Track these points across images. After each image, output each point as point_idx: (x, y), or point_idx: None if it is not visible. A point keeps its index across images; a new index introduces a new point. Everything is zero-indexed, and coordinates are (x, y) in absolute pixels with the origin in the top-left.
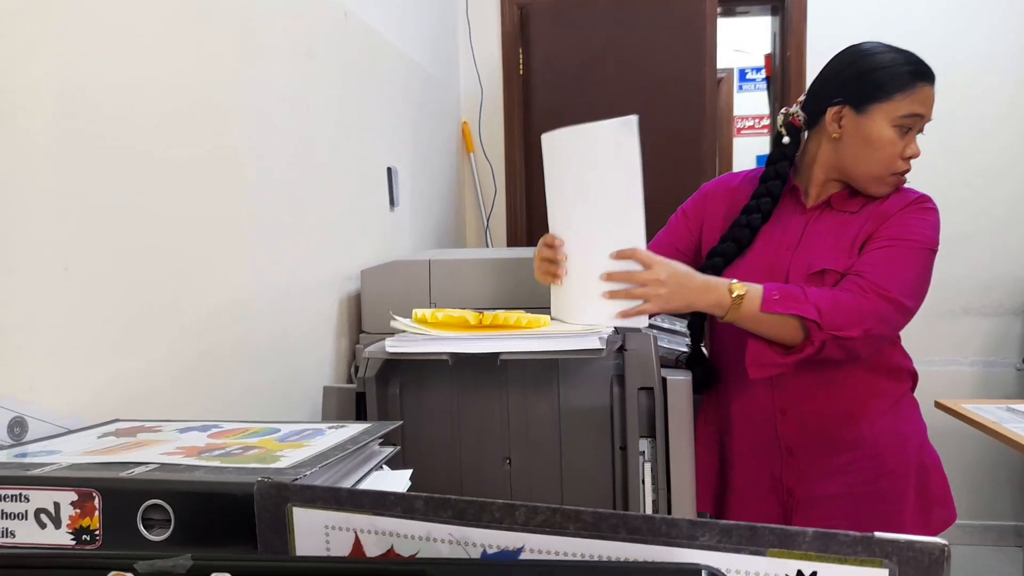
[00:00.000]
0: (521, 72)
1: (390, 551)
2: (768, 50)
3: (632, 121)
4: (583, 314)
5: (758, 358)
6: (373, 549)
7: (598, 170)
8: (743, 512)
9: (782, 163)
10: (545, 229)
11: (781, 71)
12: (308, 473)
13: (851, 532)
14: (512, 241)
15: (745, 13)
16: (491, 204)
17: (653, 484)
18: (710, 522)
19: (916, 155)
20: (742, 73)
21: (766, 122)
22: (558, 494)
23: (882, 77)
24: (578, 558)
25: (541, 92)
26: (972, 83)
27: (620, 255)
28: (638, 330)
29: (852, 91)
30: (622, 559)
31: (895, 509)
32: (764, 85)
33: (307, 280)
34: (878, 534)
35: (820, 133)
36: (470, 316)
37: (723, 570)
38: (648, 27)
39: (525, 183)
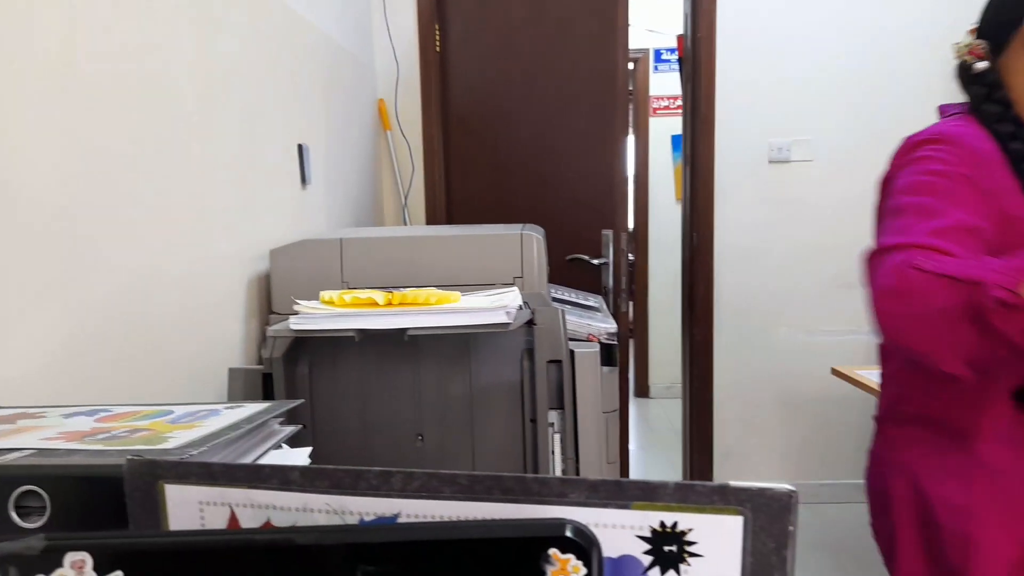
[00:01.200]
0: (438, 49)
1: (266, 524)
2: (681, 31)
3: None
4: None
5: None
6: (249, 523)
7: None
8: None
9: (995, 104)
10: (464, 207)
11: (693, 52)
12: (195, 453)
13: (708, 483)
14: (431, 219)
15: None
16: (409, 182)
17: (563, 454)
18: (579, 479)
19: None
20: (657, 54)
21: (679, 102)
22: (470, 468)
23: None
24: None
25: (459, 70)
26: (888, 56)
27: None
28: None
29: None
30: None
31: None
32: (678, 66)
33: (213, 260)
34: (732, 483)
35: (1016, 58)
36: (378, 297)
37: (591, 524)
38: (564, 5)
39: (444, 161)
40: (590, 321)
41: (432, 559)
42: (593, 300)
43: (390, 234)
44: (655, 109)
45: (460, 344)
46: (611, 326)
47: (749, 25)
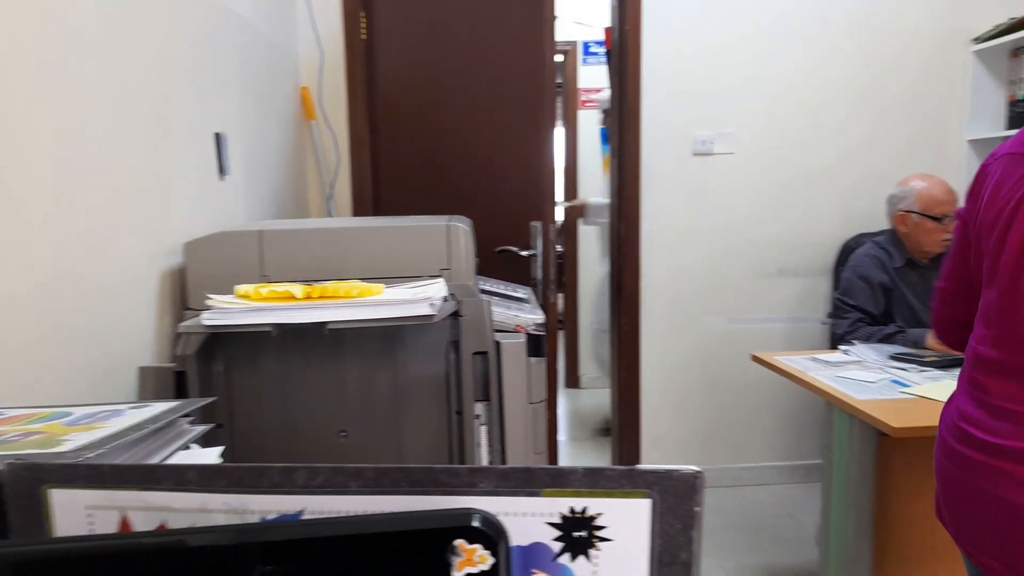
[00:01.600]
0: (364, 37)
1: (161, 527)
2: (608, 23)
3: None
4: None
5: None
6: (142, 527)
7: None
8: None
9: None
10: (392, 199)
11: (619, 45)
12: (91, 456)
13: (617, 467)
14: (358, 212)
15: None
16: (334, 174)
17: (489, 446)
18: (489, 468)
19: None
20: (586, 46)
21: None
22: (396, 463)
23: None
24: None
25: (385, 59)
26: (809, 52)
27: None
28: None
29: None
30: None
31: None
32: (606, 58)
33: (123, 253)
34: (640, 466)
35: None
36: (297, 290)
37: (502, 512)
38: None
39: (370, 152)
40: (518, 312)
41: (336, 556)
42: (522, 292)
43: (312, 226)
44: (584, 102)
45: (384, 337)
46: (539, 317)
47: (674, 18)
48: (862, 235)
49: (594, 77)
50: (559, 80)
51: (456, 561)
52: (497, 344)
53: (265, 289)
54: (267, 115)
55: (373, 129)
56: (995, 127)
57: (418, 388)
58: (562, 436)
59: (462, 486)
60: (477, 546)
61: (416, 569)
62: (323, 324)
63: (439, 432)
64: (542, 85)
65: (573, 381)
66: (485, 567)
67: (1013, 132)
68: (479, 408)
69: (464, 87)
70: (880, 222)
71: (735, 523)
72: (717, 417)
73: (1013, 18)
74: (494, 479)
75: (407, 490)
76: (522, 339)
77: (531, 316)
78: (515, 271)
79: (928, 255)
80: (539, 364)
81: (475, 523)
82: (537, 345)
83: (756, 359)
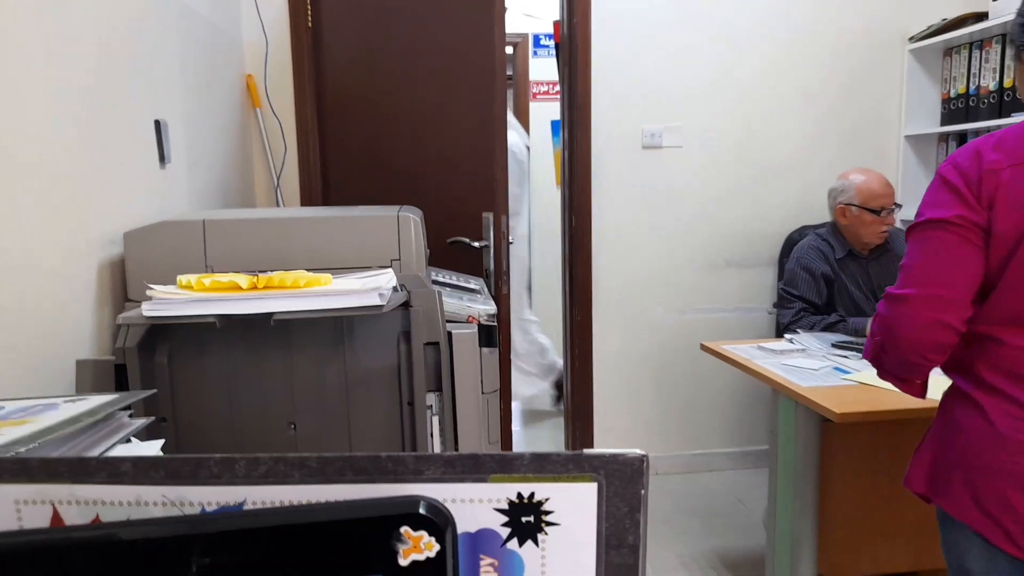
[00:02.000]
0: (310, 24)
1: (95, 521)
2: (557, 16)
3: None
4: None
5: None
6: (75, 521)
7: None
8: None
9: None
10: (341, 189)
11: (568, 38)
12: (23, 451)
13: (563, 452)
14: (306, 202)
15: None
16: (281, 163)
17: (441, 436)
18: (435, 456)
19: None
20: (536, 39)
21: (559, 88)
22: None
23: None
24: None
25: (333, 47)
26: (757, 49)
27: None
28: None
29: None
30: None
31: None
32: (555, 51)
33: (60, 244)
34: (586, 451)
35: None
36: (242, 280)
37: (449, 499)
38: None
39: (319, 141)
40: (470, 303)
41: (279, 546)
42: (474, 283)
43: (258, 215)
44: (535, 94)
45: (334, 328)
46: (491, 308)
47: (623, 12)
48: (805, 227)
49: (545, 69)
50: (510, 72)
51: (402, 548)
52: (449, 334)
53: (208, 279)
54: (210, 103)
55: (321, 118)
56: (931, 123)
57: (369, 379)
58: (517, 426)
59: (408, 473)
60: (423, 533)
61: (361, 557)
62: (269, 315)
63: (391, 424)
64: (492, 76)
65: None
66: (431, 554)
67: (948, 128)
68: (431, 399)
69: (414, 77)
70: (822, 214)
71: (687, 509)
72: (669, 405)
73: (945, 19)
74: (440, 466)
75: (352, 479)
76: (474, 329)
77: (483, 307)
78: (467, 262)
79: (867, 246)
80: (491, 354)
81: (421, 510)
82: (489, 335)
83: (705, 348)
